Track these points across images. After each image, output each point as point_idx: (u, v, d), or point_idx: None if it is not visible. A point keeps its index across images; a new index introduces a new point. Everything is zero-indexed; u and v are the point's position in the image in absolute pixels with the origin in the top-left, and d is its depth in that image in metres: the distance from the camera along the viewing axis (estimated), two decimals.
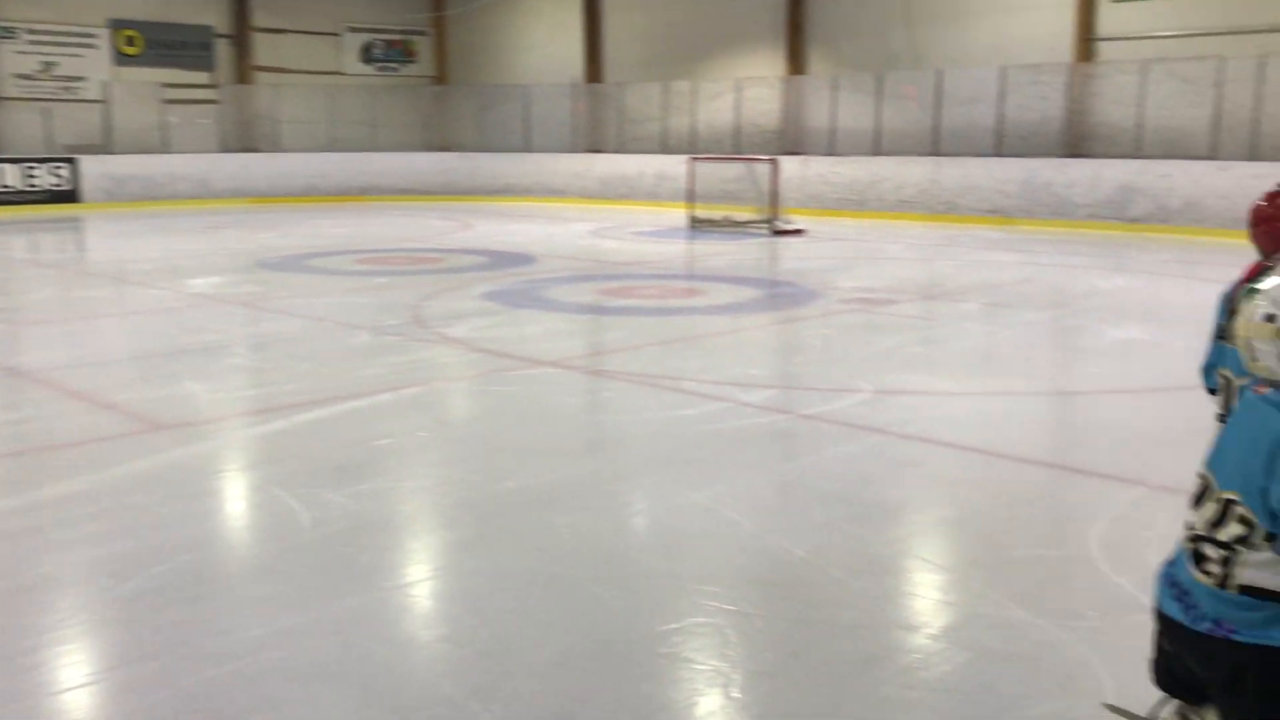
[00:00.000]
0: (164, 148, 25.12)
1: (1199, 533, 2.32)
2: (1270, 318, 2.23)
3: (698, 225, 19.65)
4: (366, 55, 29.53)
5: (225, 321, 10.79)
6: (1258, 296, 2.28)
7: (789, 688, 3.56)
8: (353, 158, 26.38)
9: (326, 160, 26.14)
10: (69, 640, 3.99)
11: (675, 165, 22.89)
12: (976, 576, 4.56)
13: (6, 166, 22.67)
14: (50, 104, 24.81)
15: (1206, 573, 2.29)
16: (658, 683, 3.62)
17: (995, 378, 8.31)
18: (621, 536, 5.01)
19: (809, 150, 22.78)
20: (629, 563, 4.68)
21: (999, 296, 12.20)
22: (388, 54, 29.77)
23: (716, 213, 20.06)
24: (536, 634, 3.95)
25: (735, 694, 3.55)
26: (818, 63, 23.84)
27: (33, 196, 22.76)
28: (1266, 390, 2.26)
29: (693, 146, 24.11)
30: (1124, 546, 4.64)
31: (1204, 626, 2.27)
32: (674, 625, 3.99)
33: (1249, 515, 2.20)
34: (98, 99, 24.98)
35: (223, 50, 27.27)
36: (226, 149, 26.16)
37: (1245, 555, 2.21)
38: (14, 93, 24.80)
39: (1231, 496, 2.24)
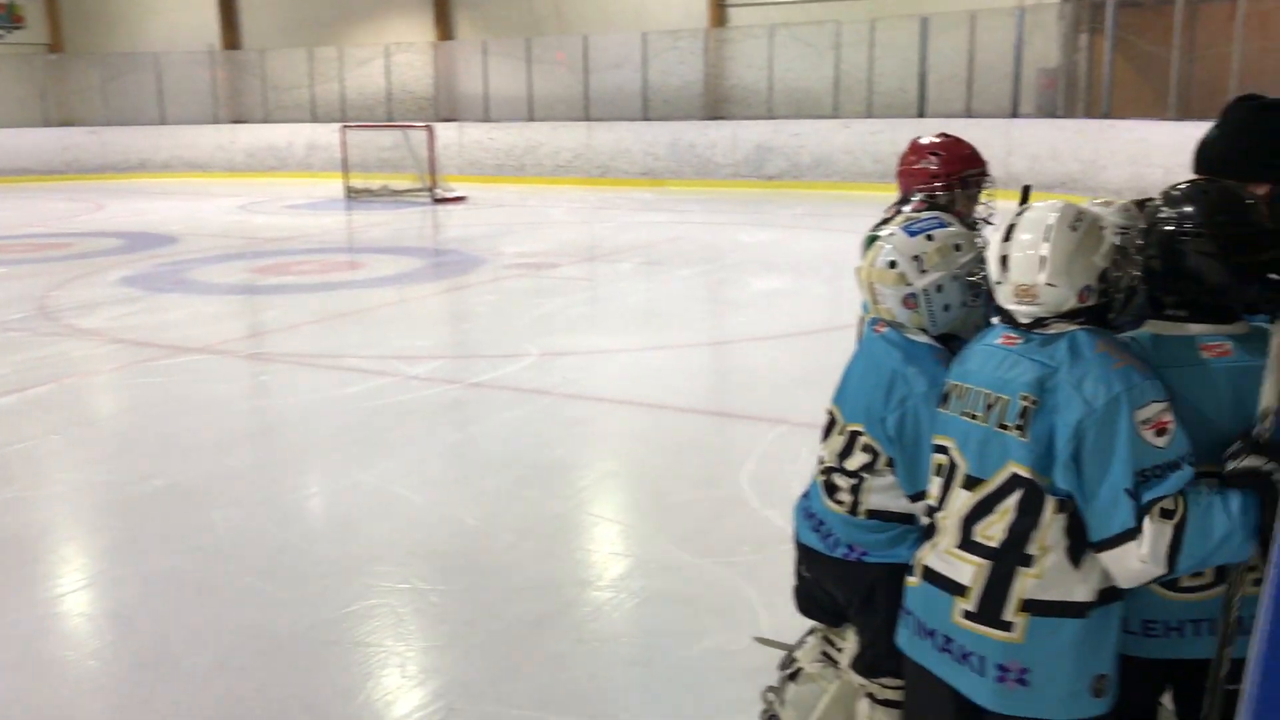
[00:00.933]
0: None
1: (829, 465, 2.49)
2: (892, 264, 2.36)
3: (355, 196, 19.09)
4: None
5: None
6: (881, 243, 2.42)
7: (465, 657, 3.56)
8: None
9: None
10: None
11: (327, 134, 22.07)
12: (642, 525, 4.75)
13: None
14: None
15: (838, 501, 2.45)
16: (330, 671, 3.52)
17: (655, 333, 8.64)
18: (286, 526, 4.81)
19: (464, 117, 22.63)
20: (295, 553, 4.51)
21: (654, 255, 12.67)
22: None
23: (374, 182, 19.56)
24: (195, 638, 3.73)
25: (411, 670, 3.52)
26: (466, 27, 23.66)
27: None
28: (885, 329, 2.43)
29: (344, 114, 23.33)
30: (771, 482, 4.97)
31: (840, 552, 2.45)
32: (345, 611, 3.89)
33: (873, 444, 2.37)
34: None
35: None
36: None
37: (871, 482, 2.39)
38: None
39: (856, 428, 2.41)
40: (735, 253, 12.90)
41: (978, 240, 2.53)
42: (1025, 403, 2.00)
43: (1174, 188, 2.16)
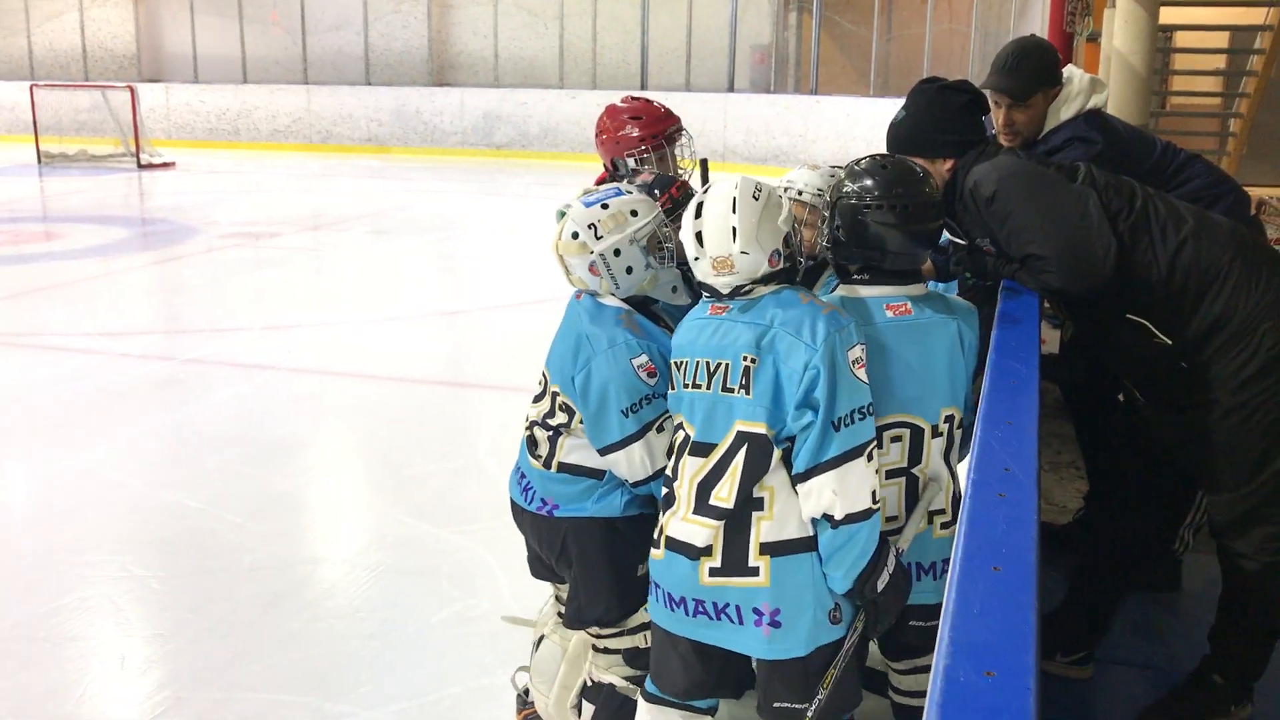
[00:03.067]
0: None
1: (533, 420, 2.60)
2: (575, 235, 2.43)
3: (49, 161, 17.56)
4: None
5: None
6: (567, 216, 2.49)
7: (192, 644, 3.43)
8: None
9: None
10: None
11: (14, 93, 20.15)
12: (377, 499, 4.70)
13: None
14: None
15: (537, 457, 2.56)
16: (40, 669, 3.30)
17: (386, 304, 8.47)
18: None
19: (171, 78, 21.21)
20: None
21: (382, 224, 12.41)
22: None
23: (70, 147, 18.06)
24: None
25: (134, 663, 3.35)
26: None
27: None
28: (582, 297, 2.52)
29: (32, 73, 21.39)
30: (510, 451, 5.01)
31: (534, 506, 2.55)
32: (55, 605, 3.64)
33: (569, 403, 2.47)
34: None
35: None
36: None
37: (565, 440, 2.50)
38: None
39: (556, 389, 2.52)
40: (465, 222, 12.82)
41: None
42: (746, 362, 2.14)
43: (855, 163, 2.40)
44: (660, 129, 3.50)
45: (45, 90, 18.67)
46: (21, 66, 21.77)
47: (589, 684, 2.65)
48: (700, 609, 2.18)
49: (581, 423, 2.46)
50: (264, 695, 3.16)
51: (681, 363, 2.26)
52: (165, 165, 17.28)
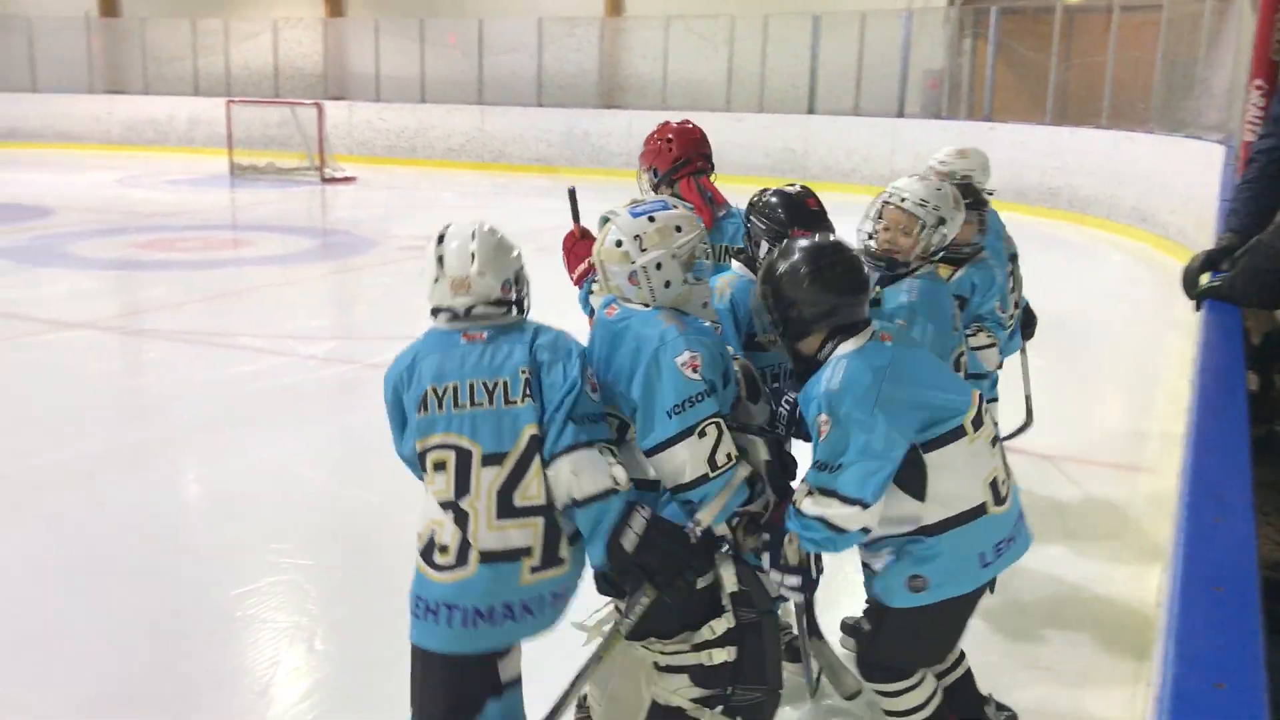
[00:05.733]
0: None
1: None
2: (618, 242, 2.51)
3: (240, 173, 18.61)
4: None
5: None
6: (610, 223, 2.56)
7: (375, 627, 3.57)
8: None
9: None
10: None
11: (211, 109, 21.44)
12: None
13: None
14: None
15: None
16: (235, 646, 3.51)
17: (554, 319, 8.64)
18: (179, 506, 4.75)
19: (354, 96, 22.22)
20: (192, 532, 4.45)
21: (545, 241, 12.66)
22: None
23: (260, 159, 19.10)
24: (88, 618, 3.67)
25: (318, 646, 3.52)
26: (357, 5, 23.25)
27: None
28: (616, 311, 2.54)
29: (229, 89, 22.70)
30: None
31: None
32: (248, 588, 3.86)
33: (618, 414, 2.48)
34: None
35: None
36: None
37: (618, 455, 2.43)
38: None
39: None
40: None
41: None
42: (525, 375, 2.35)
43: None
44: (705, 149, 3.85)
45: (239, 106, 19.79)
46: (219, 84, 23.14)
47: (655, 707, 2.50)
48: (510, 612, 2.30)
49: (634, 432, 2.46)
50: None
51: (449, 388, 2.36)
52: (346, 180, 18.08)
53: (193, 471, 5.21)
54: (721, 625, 2.41)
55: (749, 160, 18.54)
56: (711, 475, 2.37)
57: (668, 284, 2.49)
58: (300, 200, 16.20)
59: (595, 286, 3.25)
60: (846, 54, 18.23)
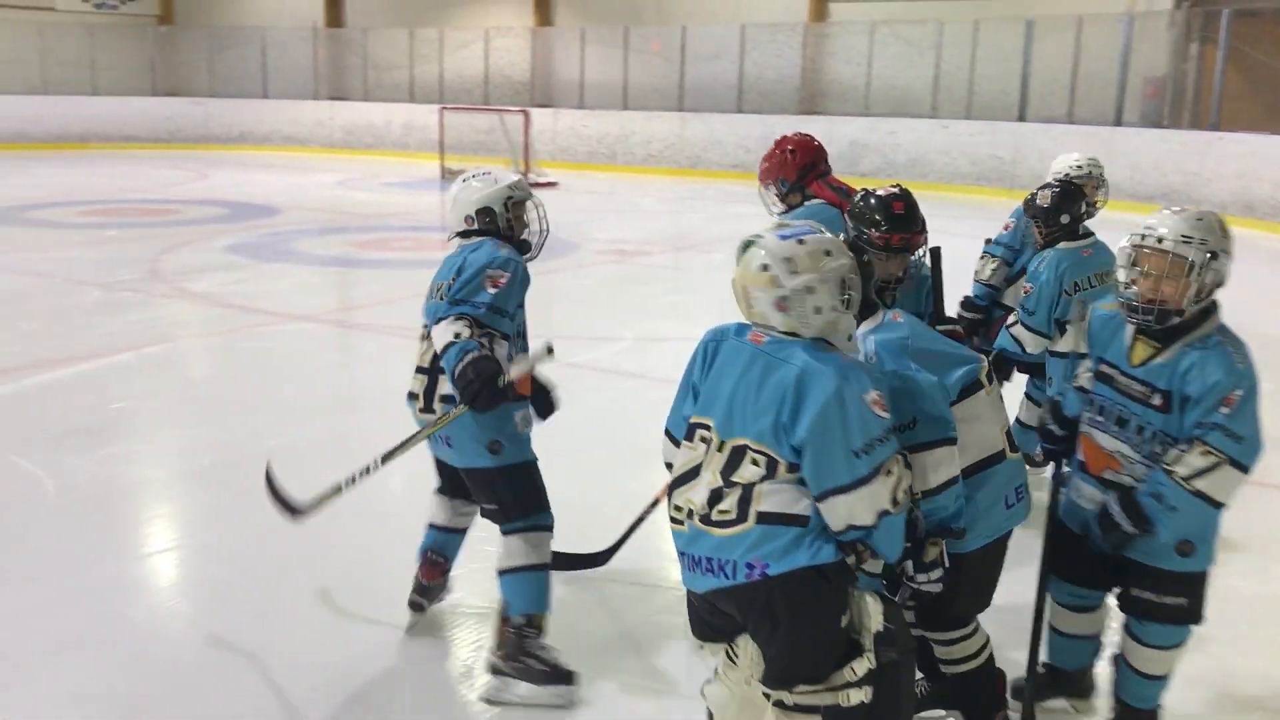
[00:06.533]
0: None
1: (713, 486, 2.38)
2: (766, 268, 2.38)
3: (450, 177, 19.36)
4: None
5: None
6: (755, 247, 2.42)
7: (585, 617, 3.67)
8: (69, 101, 24.31)
9: (39, 103, 23.97)
10: None
11: (424, 115, 22.41)
12: None
13: None
14: None
15: (721, 523, 2.36)
16: (441, 631, 3.66)
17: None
18: (388, 494, 4.96)
19: (559, 103, 22.81)
20: (400, 519, 4.65)
21: None
22: None
23: (468, 164, 19.79)
24: (313, 592, 3.90)
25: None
26: (565, 14, 23.86)
27: None
28: (763, 340, 2.41)
29: (441, 96, 23.67)
30: None
31: (741, 575, 2.33)
32: (455, 573, 4.01)
33: (768, 451, 2.34)
34: None
35: None
36: None
37: (762, 488, 2.34)
38: None
39: (744, 442, 2.37)
40: None
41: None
42: (453, 276, 3.39)
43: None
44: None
45: (451, 113, 20.59)
46: (433, 91, 24.14)
47: None
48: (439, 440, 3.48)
49: (790, 469, 2.33)
50: (630, 679, 3.33)
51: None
52: (549, 184, 18.55)
53: (400, 461, 5.44)
54: (862, 666, 2.34)
55: (954, 167, 18.08)
56: (893, 512, 2.34)
57: (817, 310, 2.37)
58: None
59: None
60: (1061, 59, 17.53)
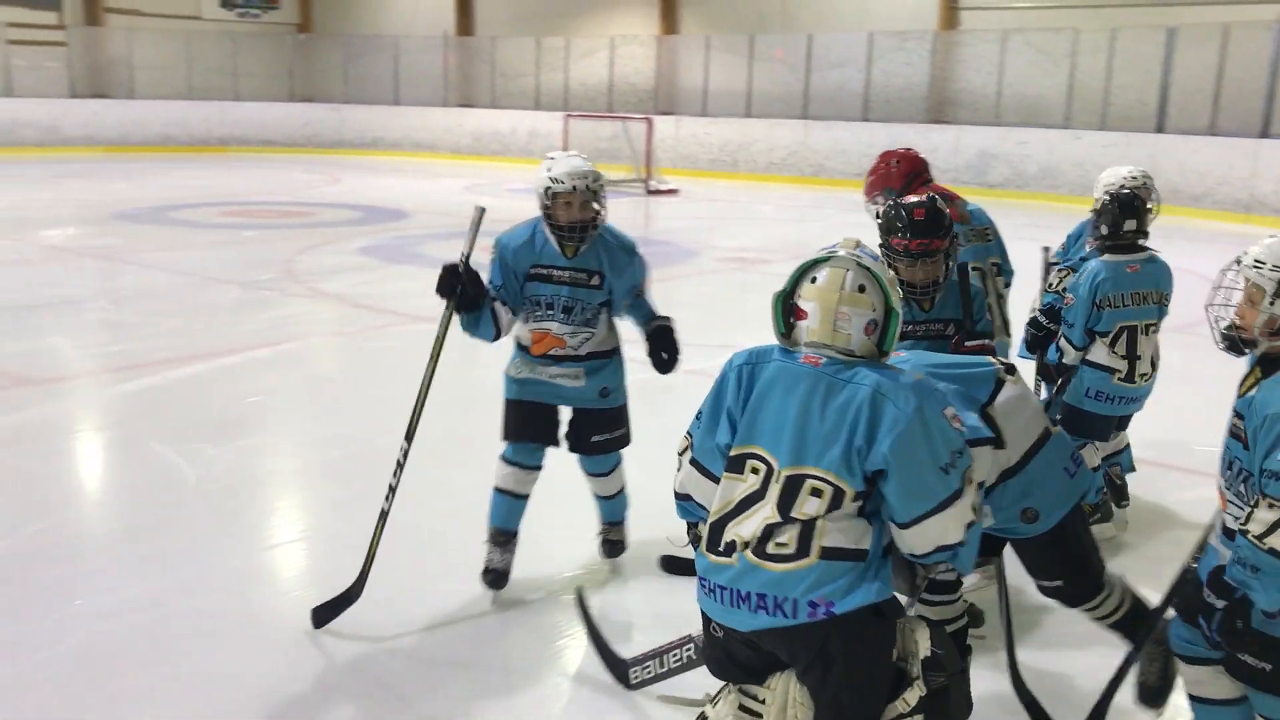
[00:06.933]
0: (6, 91, 23.76)
1: (770, 521, 2.25)
2: (863, 289, 2.32)
3: None
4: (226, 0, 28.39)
5: (84, 275, 10.37)
6: (843, 267, 2.33)
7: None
8: (211, 106, 25.36)
9: (184, 108, 25.07)
10: None
11: (549, 122, 22.73)
12: None
13: None
14: None
15: (780, 557, 2.23)
16: (568, 616, 3.70)
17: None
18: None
19: (682, 110, 22.89)
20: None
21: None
22: None
23: None
24: (431, 582, 3.99)
25: (642, 622, 3.66)
26: (690, 22, 23.94)
27: None
28: (820, 361, 2.31)
29: (566, 104, 23.97)
30: None
31: (804, 614, 2.22)
32: (575, 574, 4.06)
33: (834, 480, 2.23)
34: None
35: None
36: (76, 94, 24.87)
37: (825, 523, 2.23)
38: None
39: (806, 471, 2.24)
40: None
41: None
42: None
43: None
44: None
45: (576, 120, 20.84)
46: (558, 99, 24.47)
47: None
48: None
49: (855, 499, 2.23)
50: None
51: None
52: (670, 191, 18.64)
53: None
54: (914, 696, 2.29)
55: (1087, 179, 17.46)
56: (976, 520, 2.36)
57: (898, 335, 2.42)
58: (625, 210, 16.83)
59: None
60: (1204, 68, 16.88)
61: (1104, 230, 4.42)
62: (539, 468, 3.97)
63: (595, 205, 3.79)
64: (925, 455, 2.23)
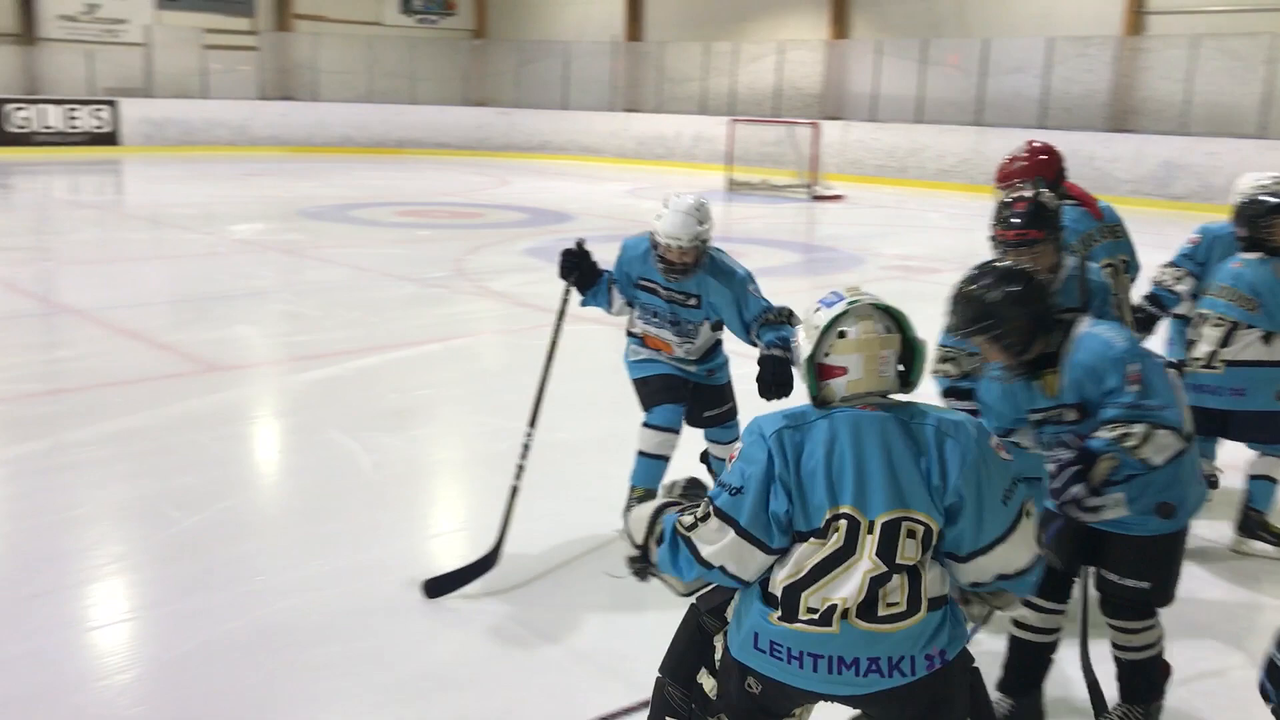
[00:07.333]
0: (203, 93, 25.20)
1: (874, 574, 2.16)
2: (889, 328, 2.35)
3: (735, 188, 19.59)
4: (406, 6, 29.43)
5: (270, 268, 10.91)
6: (868, 308, 2.37)
7: None
8: (390, 109, 26.35)
9: (364, 111, 26.13)
10: (142, 569, 4.11)
11: (714, 127, 22.78)
12: None
13: (49, 107, 22.80)
14: (92, 46, 24.88)
15: (890, 618, 2.16)
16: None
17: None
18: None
19: (850, 115, 22.60)
20: None
21: None
22: (428, 5, 29.66)
23: (754, 176, 19.98)
24: (584, 576, 4.04)
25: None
26: (861, 27, 23.62)
27: (73, 138, 22.91)
28: (879, 410, 2.26)
29: (732, 108, 23.98)
30: None
31: (922, 668, 2.17)
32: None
33: (926, 520, 2.18)
34: (139, 42, 25.04)
35: None
36: (265, 97, 26.21)
37: (926, 574, 2.18)
38: (57, 34, 24.90)
39: (898, 515, 2.17)
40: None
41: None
42: None
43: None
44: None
45: (742, 125, 20.82)
46: (723, 103, 24.50)
47: None
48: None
49: (940, 537, 2.19)
50: None
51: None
52: (835, 197, 18.43)
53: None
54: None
55: None
56: (1039, 550, 2.32)
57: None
58: (789, 216, 16.74)
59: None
60: None
61: (1242, 232, 4.54)
62: (677, 431, 4.37)
63: (689, 258, 4.27)
64: (992, 485, 2.23)
